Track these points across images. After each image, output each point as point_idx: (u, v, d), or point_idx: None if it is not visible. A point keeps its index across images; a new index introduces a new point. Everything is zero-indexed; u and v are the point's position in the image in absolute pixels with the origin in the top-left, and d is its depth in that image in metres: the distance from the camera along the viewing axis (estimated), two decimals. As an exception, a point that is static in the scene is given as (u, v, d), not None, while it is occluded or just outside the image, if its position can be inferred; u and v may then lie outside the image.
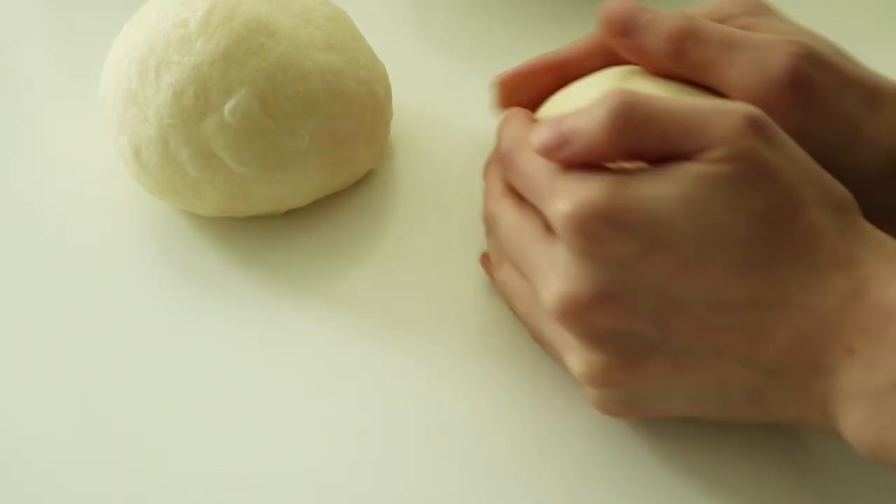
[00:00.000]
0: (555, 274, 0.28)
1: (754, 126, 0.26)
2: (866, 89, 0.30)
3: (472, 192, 0.39)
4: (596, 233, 0.26)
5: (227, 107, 0.35)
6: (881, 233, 0.27)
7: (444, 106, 0.44)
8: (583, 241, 0.26)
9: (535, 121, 0.34)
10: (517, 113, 0.34)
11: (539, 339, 0.33)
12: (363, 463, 0.32)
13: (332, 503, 0.31)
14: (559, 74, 0.35)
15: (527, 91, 0.36)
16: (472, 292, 0.37)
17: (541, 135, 0.28)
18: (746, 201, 0.26)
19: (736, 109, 0.27)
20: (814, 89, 0.29)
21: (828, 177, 0.28)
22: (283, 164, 0.36)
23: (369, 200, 0.40)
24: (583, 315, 0.27)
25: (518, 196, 0.31)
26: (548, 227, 0.29)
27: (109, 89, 0.37)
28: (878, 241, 0.27)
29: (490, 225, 0.33)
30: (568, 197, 0.27)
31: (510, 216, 0.31)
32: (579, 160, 0.27)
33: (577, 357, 0.29)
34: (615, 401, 0.29)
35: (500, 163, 0.33)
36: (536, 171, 0.29)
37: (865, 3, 0.50)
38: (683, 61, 0.30)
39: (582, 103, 0.29)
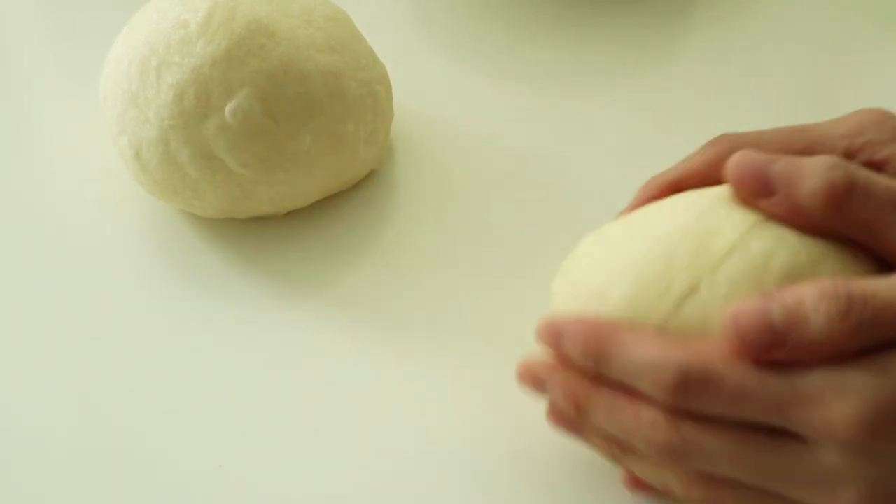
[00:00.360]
0: (840, 487, 0.24)
1: None
2: None
3: (473, 192, 0.39)
4: (890, 431, 0.23)
5: (228, 108, 0.35)
6: None
7: (444, 106, 0.44)
8: (877, 442, 0.23)
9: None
10: (627, 329, 0.27)
11: None
12: (363, 463, 0.32)
13: (332, 502, 0.31)
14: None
15: None
16: (473, 292, 0.37)
17: (747, 329, 0.24)
18: None
19: None
20: None
21: None
22: (283, 165, 0.36)
23: (369, 201, 0.40)
24: None
25: (697, 417, 0.26)
26: (782, 438, 0.25)
27: (109, 90, 0.37)
28: None
29: (675, 456, 0.26)
30: (841, 398, 0.23)
31: (714, 442, 0.25)
32: (801, 358, 0.24)
33: None
34: None
35: (670, 393, 0.25)
36: (760, 385, 0.24)
37: (865, 3, 0.50)
38: (844, 219, 0.26)
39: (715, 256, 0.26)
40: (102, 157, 0.41)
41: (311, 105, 0.36)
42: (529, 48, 0.48)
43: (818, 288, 0.24)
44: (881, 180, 0.26)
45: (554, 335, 0.28)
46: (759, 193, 0.26)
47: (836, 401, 0.23)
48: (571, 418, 0.29)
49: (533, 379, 0.29)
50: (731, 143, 0.30)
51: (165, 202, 0.38)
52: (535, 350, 0.35)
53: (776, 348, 0.24)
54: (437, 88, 0.45)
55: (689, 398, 0.25)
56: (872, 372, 0.23)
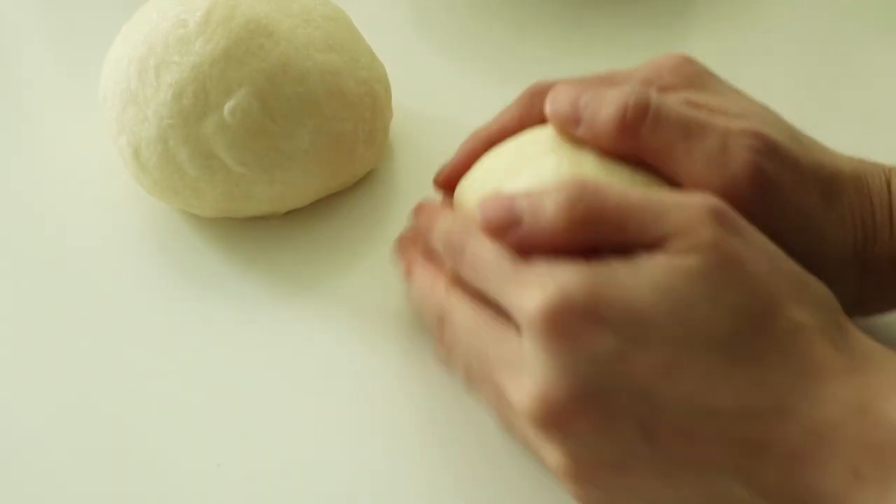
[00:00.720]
0: (525, 375, 0.25)
1: (717, 216, 0.25)
2: (823, 179, 0.29)
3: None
4: (570, 328, 0.24)
5: (227, 107, 0.35)
6: (871, 340, 0.25)
7: (444, 106, 0.44)
8: (556, 337, 0.24)
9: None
10: (445, 207, 0.32)
11: (510, 433, 0.30)
12: (364, 463, 0.32)
13: (332, 502, 0.31)
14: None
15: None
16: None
17: (489, 211, 0.26)
18: (722, 293, 0.24)
19: (697, 200, 0.25)
20: (772, 185, 0.28)
21: (804, 273, 0.26)
22: (282, 165, 0.36)
23: (369, 200, 0.40)
24: (560, 420, 0.24)
25: (466, 287, 0.29)
26: (509, 320, 0.26)
27: (109, 89, 0.37)
28: (872, 349, 0.25)
29: (439, 321, 0.30)
30: (537, 288, 0.24)
31: (463, 311, 0.28)
32: (532, 245, 0.26)
33: (558, 458, 0.26)
34: (597, 500, 0.26)
35: (445, 251, 0.30)
36: (493, 260, 0.27)
37: (865, 3, 0.50)
38: (637, 142, 0.29)
39: (521, 170, 0.29)
40: (102, 157, 0.41)
41: (309, 104, 0.36)
42: (529, 48, 0.48)
43: (562, 183, 0.26)
44: (673, 107, 0.28)
45: (414, 215, 0.34)
46: (569, 123, 0.29)
47: (533, 288, 0.25)
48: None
49: (397, 248, 0.34)
50: (542, 89, 0.32)
51: (165, 202, 0.38)
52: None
53: (511, 228, 0.26)
54: (437, 88, 0.45)
55: (455, 261, 0.29)
56: (574, 269, 0.24)
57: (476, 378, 0.29)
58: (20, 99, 0.46)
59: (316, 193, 0.38)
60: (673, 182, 0.29)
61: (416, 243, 0.33)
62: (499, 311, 0.27)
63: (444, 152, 0.42)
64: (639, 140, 0.28)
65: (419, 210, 0.33)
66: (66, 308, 0.37)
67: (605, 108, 0.29)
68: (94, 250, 0.38)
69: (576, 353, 0.24)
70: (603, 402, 0.24)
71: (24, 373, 0.35)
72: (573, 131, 0.30)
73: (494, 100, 0.43)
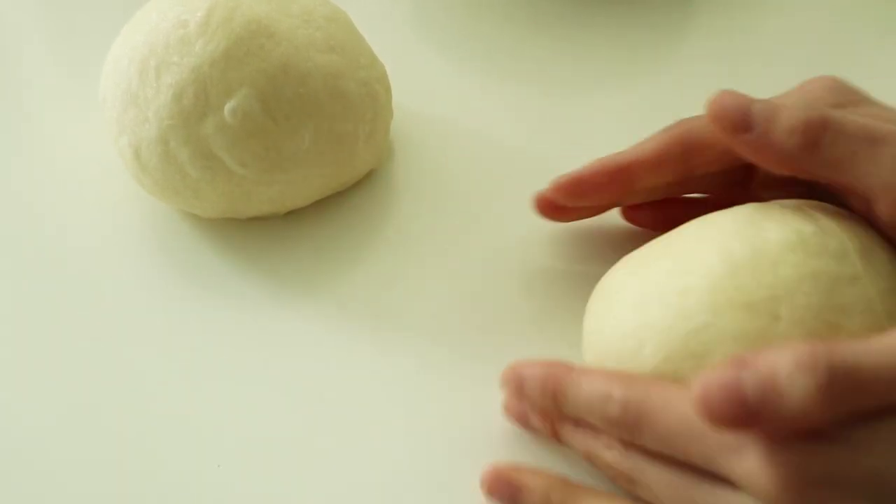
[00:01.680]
0: None
1: None
2: None
3: (472, 192, 0.39)
4: (819, 498, 0.22)
5: (228, 108, 0.35)
6: None
7: (444, 106, 0.44)
8: (780, 496, 0.22)
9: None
10: (576, 368, 0.29)
11: None
12: (364, 463, 0.32)
13: (332, 503, 0.31)
14: (625, 182, 0.32)
15: (587, 199, 0.33)
16: (473, 292, 0.37)
17: (714, 401, 0.23)
18: None
19: None
20: None
21: None
22: (283, 165, 0.36)
23: (369, 200, 0.40)
24: None
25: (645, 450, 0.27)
26: (709, 474, 0.25)
27: (109, 90, 0.37)
28: None
29: (627, 482, 0.28)
30: (775, 463, 0.23)
31: (656, 472, 0.26)
32: (773, 429, 0.23)
33: None
34: None
35: (609, 424, 0.27)
36: (689, 425, 0.24)
37: (866, 3, 0.50)
38: (818, 156, 0.27)
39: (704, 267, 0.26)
40: (102, 157, 0.41)
41: (310, 105, 0.36)
42: (529, 48, 0.48)
43: (794, 356, 0.22)
44: (853, 118, 0.27)
45: (516, 382, 0.30)
46: (737, 128, 0.27)
47: (771, 461, 0.23)
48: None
49: (515, 412, 0.32)
50: (686, 126, 0.30)
51: (165, 202, 0.38)
52: (534, 349, 0.35)
53: (749, 424, 0.23)
54: (437, 88, 0.45)
55: (629, 432, 0.26)
56: (816, 441, 0.23)
57: None
58: (20, 99, 0.46)
59: (316, 193, 0.38)
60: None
61: (540, 411, 0.30)
62: (699, 468, 0.25)
63: (444, 152, 0.42)
64: (819, 152, 0.27)
65: (523, 374, 0.30)
66: (66, 308, 0.37)
67: (784, 117, 0.27)
68: (94, 250, 0.38)
69: None
70: None
71: (23, 373, 0.35)
72: (739, 137, 0.28)
73: (494, 100, 0.43)
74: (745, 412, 0.22)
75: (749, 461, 0.23)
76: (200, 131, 0.35)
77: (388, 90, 0.40)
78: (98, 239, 0.39)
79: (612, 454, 0.28)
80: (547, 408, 0.29)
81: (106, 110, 0.38)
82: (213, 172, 0.36)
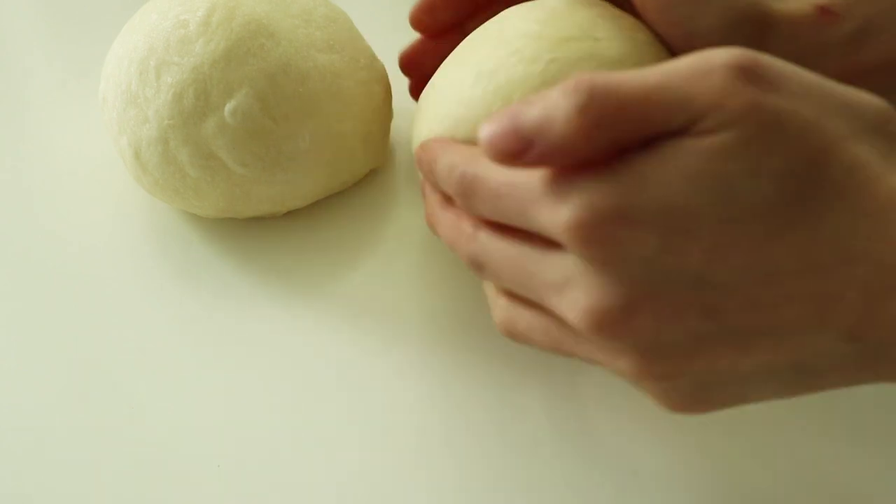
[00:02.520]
0: (576, 290, 0.24)
1: (742, 73, 0.23)
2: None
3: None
4: (608, 236, 0.23)
5: (228, 108, 0.35)
6: None
7: (443, 106, 0.44)
8: (598, 248, 0.23)
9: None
10: (442, 141, 0.30)
11: (572, 357, 0.29)
12: (363, 462, 0.32)
13: (332, 503, 0.31)
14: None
15: (435, 59, 0.35)
16: (473, 292, 0.37)
17: (496, 141, 0.24)
18: (762, 164, 0.23)
19: (716, 62, 0.23)
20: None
21: (853, 94, 0.24)
22: (283, 165, 0.36)
23: (369, 200, 0.40)
24: (620, 325, 0.24)
25: (493, 224, 0.28)
26: (545, 243, 0.26)
27: (109, 90, 0.37)
28: None
29: (477, 267, 0.28)
30: (566, 204, 0.23)
31: (496, 249, 0.27)
32: (550, 163, 0.24)
33: (627, 360, 0.25)
34: (682, 393, 0.26)
35: (456, 191, 0.28)
36: (510, 186, 0.26)
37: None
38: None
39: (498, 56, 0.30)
40: (102, 157, 0.41)
41: (310, 105, 0.36)
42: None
43: (562, 85, 0.23)
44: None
45: (417, 160, 0.32)
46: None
47: (563, 206, 0.23)
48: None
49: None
50: None
51: (165, 202, 0.38)
52: (535, 350, 0.35)
53: (525, 153, 0.24)
54: (437, 88, 0.45)
55: (470, 200, 0.27)
56: (599, 178, 0.23)
57: (524, 319, 0.28)
58: (20, 99, 0.46)
59: (316, 193, 0.39)
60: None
61: (432, 189, 0.31)
62: (531, 236, 0.26)
63: (444, 152, 0.42)
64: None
65: (420, 151, 0.31)
66: (65, 307, 0.37)
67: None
68: (94, 250, 0.39)
69: (622, 258, 0.23)
70: (660, 297, 0.24)
71: (23, 373, 0.35)
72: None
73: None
74: (521, 143, 0.24)
75: (551, 207, 0.24)
76: (200, 131, 0.35)
77: (388, 90, 0.40)
78: (98, 239, 0.39)
79: (463, 239, 0.28)
80: (430, 185, 0.31)
81: (106, 110, 0.38)
82: (213, 172, 0.36)
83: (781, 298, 0.23)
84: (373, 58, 0.40)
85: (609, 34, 0.31)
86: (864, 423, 0.32)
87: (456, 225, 0.29)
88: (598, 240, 0.23)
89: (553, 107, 0.23)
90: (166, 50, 0.35)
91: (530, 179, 0.25)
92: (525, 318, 0.28)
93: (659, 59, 0.31)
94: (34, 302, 0.37)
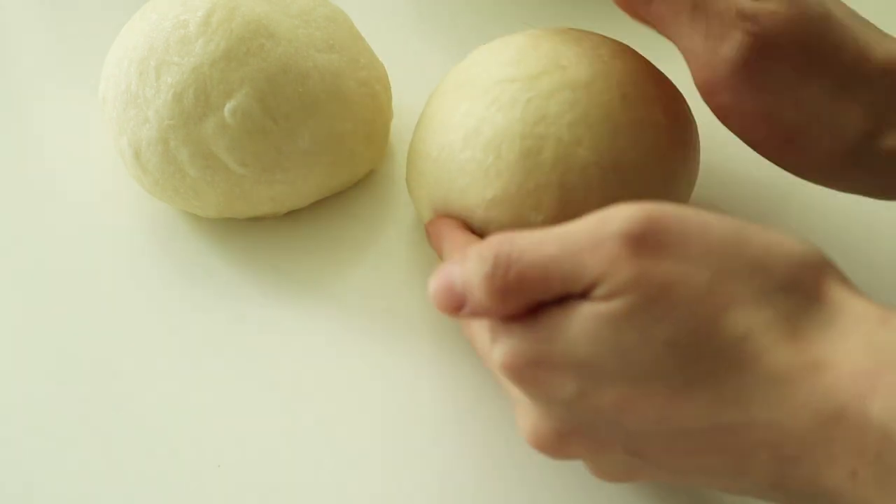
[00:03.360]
0: (521, 413, 0.27)
1: (634, 244, 0.24)
2: (840, 69, 0.29)
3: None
4: (532, 378, 0.25)
5: (228, 108, 0.35)
6: (855, 297, 0.24)
7: (443, 106, 0.44)
8: (524, 385, 0.25)
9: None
10: (449, 228, 0.33)
11: None
12: (363, 462, 0.32)
13: (332, 502, 0.31)
14: None
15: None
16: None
17: (438, 295, 0.27)
18: (650, 333, 0.23)
19: (610, 232, 0.24)
20: (763, 73, 0.28)
21: (767, 250, 0.24)
22: (283, 165, 0.36)
23: (369, 200, 0.40)
24: (557, 449, 0.27)
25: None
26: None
27: (109, 90, 0.37)
28: (849, 315, 0.23)
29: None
30: (496, 348, 0.26)
31: (477, 346, 0.29)
32: (483, 317, 0.26)
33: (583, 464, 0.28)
34: (610, 471, 0.28)
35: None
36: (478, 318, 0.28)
37: (865, 3, 0.50)
38: (649, 9, 0.30)
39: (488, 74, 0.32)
40: (102, 157, 0.41)
41: (310, 104, 0.36)
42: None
43: (478, 248, 0.26)
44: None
45: (428, 232, 0.35)
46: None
47: (494, 350, 0.26)
48: None
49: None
50: None
51: (165, 202, 0.38)
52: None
53: (461, 308, 0.26)
54: (437, 88, 0.45)
55: None
56: (518, 331, 0.25)
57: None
58: (20, 99, 0.46)
59: (316, 193, 0.39)
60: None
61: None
62: None
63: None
64: (652, 4, 0.30)
65: (430, 227, 0.34)
66: (65, 307, 0.37)
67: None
68: (94, 250, 0.39)
69: (546, 397, 0.25)
70: (585, 432, 0.26)
71: (23, 373, 0.35)
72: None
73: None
74: (456, 300, 0.26)
75: (489, 347, 0.26)
76: (200, 131, 0.35)
77: (388, 90, 0.40)
78: (98, 239, 0.39)
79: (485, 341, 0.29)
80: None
81: (106, 110, 0.38)
82: (213, 172, 0.36)
83: (696, 449, 0.24)
84: (373, 58, 0.40)
85: (574, 59, 0.32)
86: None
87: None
88: (525, 380, 0.25)
89: (470, 272, 0.26)
90: (166, 50, 0.35)
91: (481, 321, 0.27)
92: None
93: (625, 70, 0.33)
94: (34, 302, 0.37)
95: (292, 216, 0.39)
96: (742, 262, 0.24)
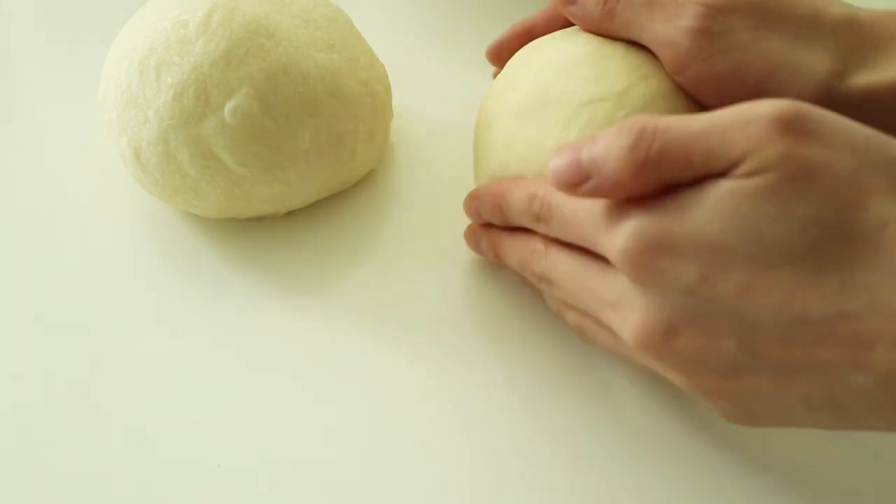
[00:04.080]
0: (627, 310, 0.27)
1: (783, 125, 0.24)
2: (796, 23, 0.31)
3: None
4: (653, 264, 0.25)
5: (228, 108, 0.35)
6: None
7: (443, 106, 0.44)
8: (643, 273, 0.25)
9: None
10: (511, 178, 0.33)
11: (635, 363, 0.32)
12: (363, 462, 0.32)
13: (332, 502, 0.31)
14: (529, 39, 0.37)
15: (508, 57, 0.38)
16: (472, 292, 0.37)
17: (560, 172, 0.27)
18: (791, 209, 0.24)
19: (760, 113, 0.25)
20: (723, 35, 0.30)
21: None
22: (283, 165, 0.36)
23: (369, 200, 0.40)
24: (664, 347, 0.26)
25: (562, 244, 0.31)
26: (605, 263, 0.28)
27: (109, 90, 0.37)
28: None
29: (546, 281, 0.32)
30: (618, 232, 0.26)
31: (563, 264, 0.30)
32: (604, 195, 0.27)
33: (675, 375, 0.28)
34: (731, 409, 0.28)
35: (530, 217, 0.31)
36: (580, 211, 0.28)
37: (865, 3, 0.50)
38: (614, 22, 0.32)
39: (541, 59, 0.34)
40: (102, 157, 0.41)
41: (310, 104, 0.36)
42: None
43: (618, 125, 0.26)
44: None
45: (473, 206, 0.35)
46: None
47: (614, 233, 0.26)
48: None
49: (471, 240, 0.37)
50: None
51: (165, 202, 0.38)
52: (533, 349, 0.35)
53: (583, 183, 0.27)
54: (437, 88, 0.45)
55: (546, 224, 0.31)
56: (645, 210, 0.26)
57: (587, 324, 0.31)
58: (20, 99, 0.46)
59: (316, 193, 0.39)
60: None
61: (488, 226, 0.35)
62: (595, 256, 0.29)
63: (445, 152, 0.42)
64: (615, 18, 0.32)
65: (478, 197, 0.35)
66: (65, 307, 0.37)
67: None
68: (94, 250, 0.38)
69: (664, 285, 0.25)
70: (699, 325, 0.26)
71: (23, 372, 0.35)
72: (566, 10, 0.34)
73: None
74: (580, 174, 0.27)
75: (606, 233, 0.27)
76: (200, 131, 0.35)
77: (388, 90, 0.40)
78: (98, 239, 0.39)
79: (535, 257, 0.32)
80: (495, 220, 0.34)
81: (106, 110, 0.38)
82: (213, 172, 0.36)
83: (814, 340, 0.24)
84: (373, 58, 0.40)
85: (650, 68, 0.33)
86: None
87: (527, 245, 0.32)
88: (644, 266, 0.25)
89: (608, 145, 0.26)
90: (166, 50, 0.35)
91: (593, 207, 0.27)
92: (591, 327, 0.31)
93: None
94: (34, 302, 0.37)
95: (292, 216, 0.39)
96: (885, 157, 0.25)
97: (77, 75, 0.46)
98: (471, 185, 0.39)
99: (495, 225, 0.35)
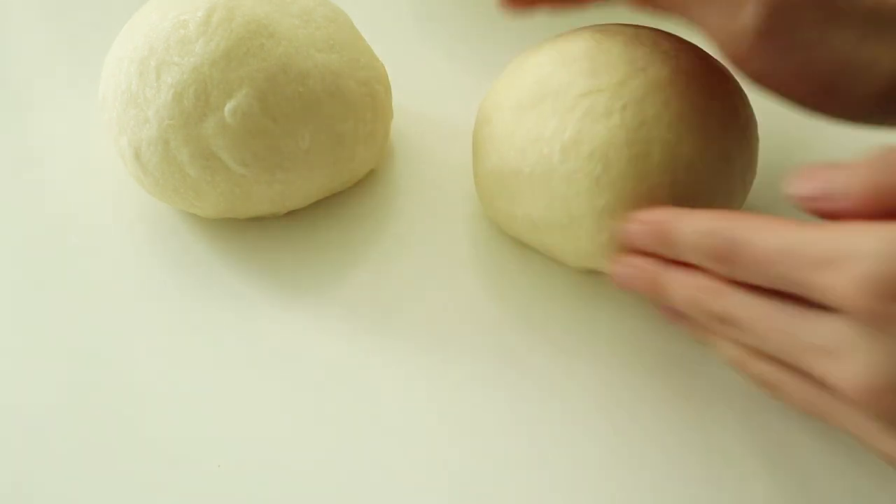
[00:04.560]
0: (852, 360, 0.23)
1: None
2: (861, 17, 0.29)
3: (472, 192, 0.39)
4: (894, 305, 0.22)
5: (228, 107, 0.35)
6: None
7: (444, 106, 0.44)
8: (881, 316, 0.22)
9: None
10: (679, 210, 0.30)
11: (829, 423, 0.28)
12: (363, 462, 0.32)
13: (332, 503, 0.31)
14: None
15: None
16: (472, 292, 0.37)
17: (803, 185, 0.25)
18: None
19: None
20: (788, 32, 0.29)
21: None
22: (283, 165, 0.36)
23: (369, 200, 0.40)
24: None
25: (746, 285, 0.27)
26: (811, 306, 0.25)
27: (109, 90, 0.37)
28: None
29: (728, 321, 0.28)
30: (850, 267, 0.23)
31: (756, 305, 0.27)
32: (840, 216, 0.24)
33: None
34: None
35: (706, 255, 0.28)
36: (783, 250, 0.25)
37: None
38: None
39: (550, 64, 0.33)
40: (102, 157, 0.41)
41: (310, 104, 0.36)
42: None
43: (872, 156, 0.24)
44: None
45: (629, 230, 0.31)
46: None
47: (845, 264, 0.23)
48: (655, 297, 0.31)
49: (623, 272, 0.32)
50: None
51: (165, 202, 0.38)
52: (533, 350, 0.35)
53: (824, 202, 0.24)
54: (437, 88, 0.45)
55: (730, 265, 0.27)
56: (887, 241, 0.22)
57: (780, 375, 0.28)
58: (20, 99, 0.46)
59: (316, 193, 0.39)
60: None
61: (646, 260, 0.31)
62: (790, 298, 0.26)
63: (445, 152, 0.42)
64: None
65: (639, 221, 0.31)
66: (65, 307, 0.37)
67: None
68: (94, 250, 0.38)
69: None
70: None
71: (23, 372, 0.35)
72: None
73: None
74: (824, 191, 0.24)
75: (829, 270, 0.23)
76: (200, 131, 0.35)
77: (388, 90, 0.40)
78: (98, 239, 0.39)
79: (714, 295, 0.28)
80: (655, 250, 0.30)
81: (106, 110, 0.38)
82: (213, 172, 0.36)
83: None
84: (373, 58, 0.40)
85: (647, 59, 0.33)
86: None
87: (701, 283, 0.29)
88: (886, 305, 0.22)
89: (854, 167, 0.24)
90: (166, 50, 0.35)
91: (802, 242, 0.25)
92: (783, 378, 0.28)
93: (690, 60, 0.33)
94: (34, 302, 0.37)
95: (292, 216, 0.39)
96: None
97: (77, 75, 0.46)
98: (471, 185, 0.39)
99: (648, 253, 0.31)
